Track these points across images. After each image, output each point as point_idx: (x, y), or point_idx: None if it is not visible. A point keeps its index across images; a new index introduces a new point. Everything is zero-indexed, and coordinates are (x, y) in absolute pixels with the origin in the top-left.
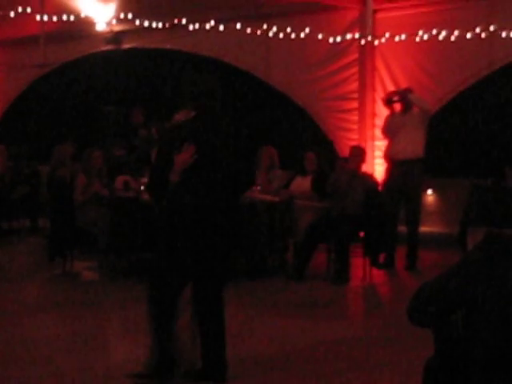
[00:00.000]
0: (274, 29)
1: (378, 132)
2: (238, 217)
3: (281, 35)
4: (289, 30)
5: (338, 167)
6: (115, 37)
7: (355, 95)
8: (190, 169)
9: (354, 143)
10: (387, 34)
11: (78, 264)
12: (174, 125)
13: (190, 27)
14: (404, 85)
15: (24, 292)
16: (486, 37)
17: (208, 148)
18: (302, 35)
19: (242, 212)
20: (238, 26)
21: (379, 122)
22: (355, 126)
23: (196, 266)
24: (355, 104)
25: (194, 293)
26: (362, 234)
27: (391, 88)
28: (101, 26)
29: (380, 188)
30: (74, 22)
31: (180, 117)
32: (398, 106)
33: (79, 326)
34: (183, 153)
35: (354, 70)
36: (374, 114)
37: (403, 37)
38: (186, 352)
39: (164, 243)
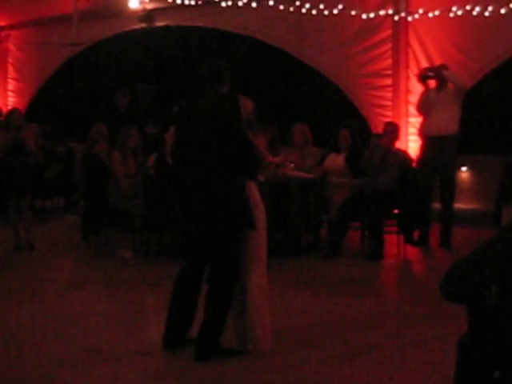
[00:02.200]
0: (307, 5)
1: (411, 109)
2: (234, 195)
3: (314, 12)
4: (322, 6)
5: (371, 144)
6: (148, 15)
7: (389, 72)
8: (178, 150)
9: (387, 120)
10: (421, 10)
11: (112, 242)
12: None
13: (223, 4)
14: (438, 61)
15: (59, 270)
16: None
17: (194, 130)
18: (335, 11)
19: (239, 191)
20: (271, 2)
21: (413, 98)
22: (389, 103)
23: (201, 244)
24: (389, 81)
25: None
26: (396, 210)
27: (425, 64)
28: (133, 4)
29: (414, 165)
30: (106, 0)
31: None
32: (432, 83)
33: (113, 304)
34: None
35: (388, 46)
36: (407, 91)
37: (437, 13)
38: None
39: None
